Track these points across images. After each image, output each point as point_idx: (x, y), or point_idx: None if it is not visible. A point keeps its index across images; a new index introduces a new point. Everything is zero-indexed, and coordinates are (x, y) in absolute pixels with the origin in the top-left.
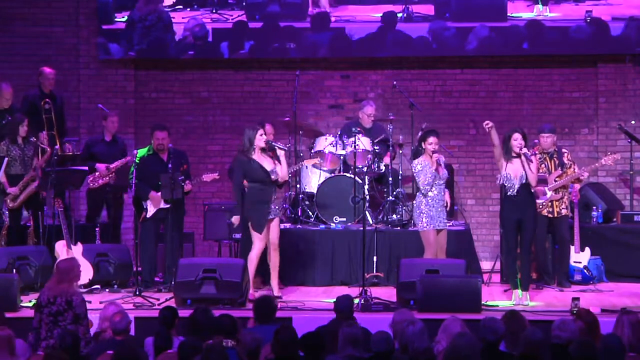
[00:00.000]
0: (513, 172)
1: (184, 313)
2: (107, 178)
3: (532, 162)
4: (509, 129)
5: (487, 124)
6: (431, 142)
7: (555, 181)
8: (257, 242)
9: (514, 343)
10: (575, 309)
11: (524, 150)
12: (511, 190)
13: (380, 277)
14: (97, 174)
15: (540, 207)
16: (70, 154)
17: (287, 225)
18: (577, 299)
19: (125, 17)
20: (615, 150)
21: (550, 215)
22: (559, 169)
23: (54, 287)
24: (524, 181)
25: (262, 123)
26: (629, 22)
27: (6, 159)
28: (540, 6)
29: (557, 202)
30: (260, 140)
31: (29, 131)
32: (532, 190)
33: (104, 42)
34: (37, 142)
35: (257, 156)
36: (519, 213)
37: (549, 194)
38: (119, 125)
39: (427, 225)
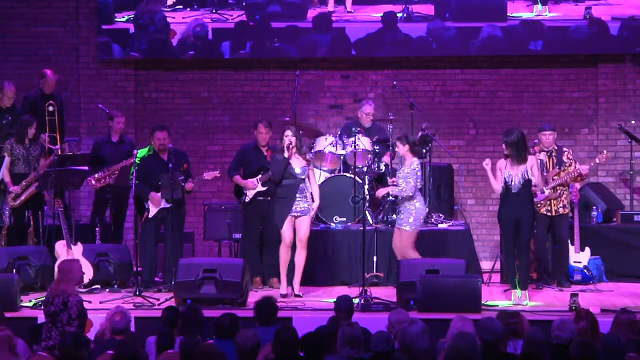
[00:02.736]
0: (515, 171)
1: None
2: (110, 179)
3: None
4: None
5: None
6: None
7: (554, 179)
8: (282, 237)
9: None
10: (574, 305)
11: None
12: (511, 190)
13: (380, 277)
14: (99, 174)
15: (539, 205)
16: (70, 154)
17: None
18: (576, 295)
19: (126, 17)
20: (613, 150)
21: (549, 214)
22: (557, 167)
23: (55, 287)
24: (524, 180)
25: (257, 123)
26: (629, 22)
27: (7, 158)
28: (539, 6)
29: (554, 201)
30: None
31: (35, 133)
32: (531, 190)
33: (104, 42)
34: (44, 142)
35: (286, 153)
36: (517, 212)
37: (547, 192)
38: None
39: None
